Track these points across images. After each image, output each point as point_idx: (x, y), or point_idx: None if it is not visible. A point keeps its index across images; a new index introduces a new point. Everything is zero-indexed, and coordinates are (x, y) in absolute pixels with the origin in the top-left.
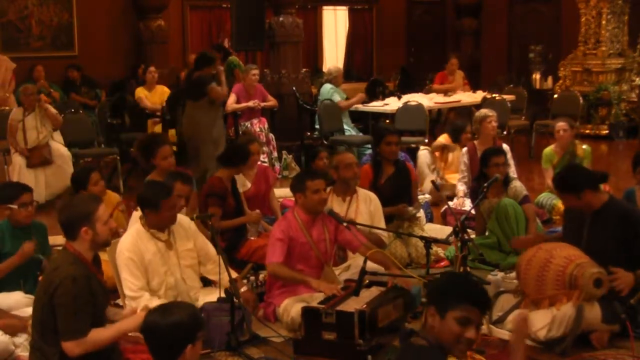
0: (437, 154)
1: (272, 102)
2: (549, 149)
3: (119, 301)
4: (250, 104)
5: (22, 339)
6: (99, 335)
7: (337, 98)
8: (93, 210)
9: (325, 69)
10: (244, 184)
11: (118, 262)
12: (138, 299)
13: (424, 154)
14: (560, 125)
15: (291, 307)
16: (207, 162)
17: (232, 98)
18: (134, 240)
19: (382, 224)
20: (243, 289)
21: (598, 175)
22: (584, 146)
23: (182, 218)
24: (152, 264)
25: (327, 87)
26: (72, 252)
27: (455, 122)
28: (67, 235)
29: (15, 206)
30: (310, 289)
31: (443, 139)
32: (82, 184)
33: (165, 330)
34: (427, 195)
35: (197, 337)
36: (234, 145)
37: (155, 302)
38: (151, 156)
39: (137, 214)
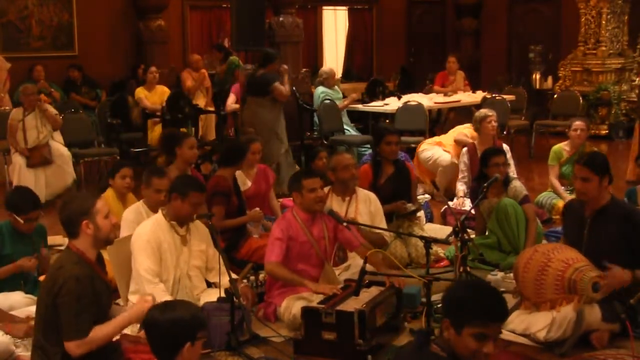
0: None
1: None
2: (558, 146)
3: (119, 301)
4: None
5: (23, 339)
6: (101, 332)
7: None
8: (92, 204)
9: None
10: (244, 182)
11: (134, 246)
12: (154, 285)
13: (448, 162)
14: (578, 124)
15: (292, 305)
16: (274, 157)
17: (231, 98)
18: (153, 228)
19: (383, 225)
20: (241, 286)
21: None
22: (594, 149)
23: (199, 221)
24: (166, 253)
25: (319, 90)
26: (75, 251)
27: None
28: (69, 233)
29: (20, 220)
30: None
31: (468, 131)
32: (111, 173)
33: (164, 326)
34: (427, 195)
35: (197, 337)
36: (230, 143)
37: (166, 297)
38: (177, 145)
39: (130, 209)
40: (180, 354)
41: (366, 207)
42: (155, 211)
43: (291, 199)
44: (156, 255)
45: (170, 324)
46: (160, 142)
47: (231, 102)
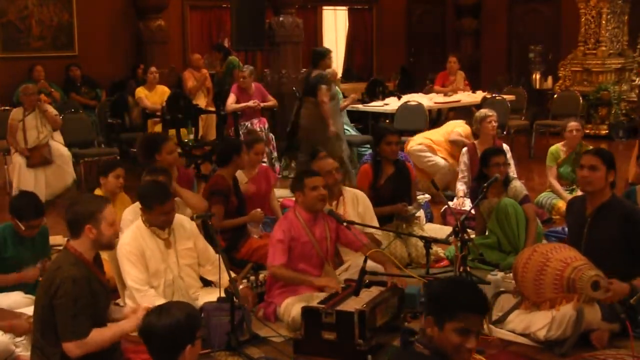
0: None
1: (272, 102)
2: (555, 147)
3: (119, 301)
4: (250, 103)
5: (23, 339)
6: (100, 335)
7: None
8: (100, 209)
9: None
10: (243, 182)
11: (119, 255)
12: (144, 293)
13: (446, 169)
14: (573, 125)
15: (292, 307)
16: (336, 154)
17: (231, 98)
18: (134, 236)
19: (375, 223)
20: (241, 287)
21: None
22: (590, 147)
23: (184, 218)
24: (151, 260)
25: None
26: (72, 252)
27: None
28: (71, 232)
29: (22, 226)
30: (313, 288)
31: (461, 129)
32: (103, 172)
33: (163, 332)
34: (427, 195)
35: (196, 337)
36: (224, 143)
37: (160, 301)
38: (156, 151)
39: (129, 209)
40: (182, 356)
41: (354, 208)
42: None
43: (292, 198)
44: (141, 263)
45: (168, 329)
46: (139, 151)
47: (231, 102)
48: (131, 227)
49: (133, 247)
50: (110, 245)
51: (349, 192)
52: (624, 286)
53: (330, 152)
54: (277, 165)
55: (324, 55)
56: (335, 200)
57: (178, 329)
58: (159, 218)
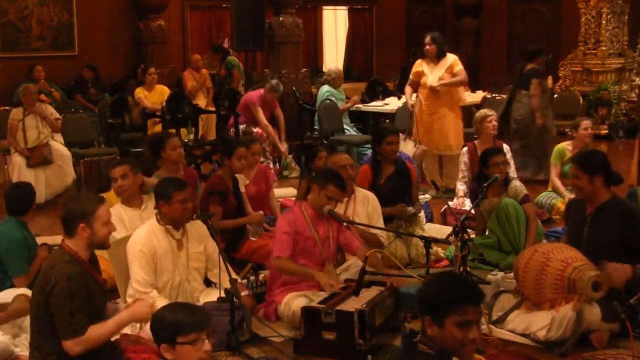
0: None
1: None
2: (561, 146)
3: (119, 300)
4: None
5: (23, 339)
6: (98, 330)
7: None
8: (94, 208)
9: (325, 69)
10: (244, 183)
11: (129, 253)
12: (146, 295)
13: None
14: (587, 122)
15: (292, 301)
16: (543, 145)
17: (260, 113)
18: (148, 235)
19: (381, 225)
20: (244, 293)
21: (614, 173)
22: (597, 149)
23: (196, 222)
24: (162, 260)
25: (324, 89)
26: (68, 250)
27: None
28: (66, 231)
29: None
30: (312, 283)
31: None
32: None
33: (152, 323)
34: (427, 195)
35: (177, 342)
36: (222, 143)
37: (162, 302)
38: (161, 148)
39: (118, 210)
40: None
41: (364, 208)
42: (125, 203)
43: (292, 199)
44: (150, 265)
45: (155, 323)
46: (146, 149)
47: (262, 117)
48: (145, 224)
49: (145, 246)
50: (105, 245)
51: (360, 192)
52: (625, 267)
53: (536, 143)
54: (277, 165)
55: (539, 53)
56: (347, 197)
57: (160, 325)
58: (177, 209)
